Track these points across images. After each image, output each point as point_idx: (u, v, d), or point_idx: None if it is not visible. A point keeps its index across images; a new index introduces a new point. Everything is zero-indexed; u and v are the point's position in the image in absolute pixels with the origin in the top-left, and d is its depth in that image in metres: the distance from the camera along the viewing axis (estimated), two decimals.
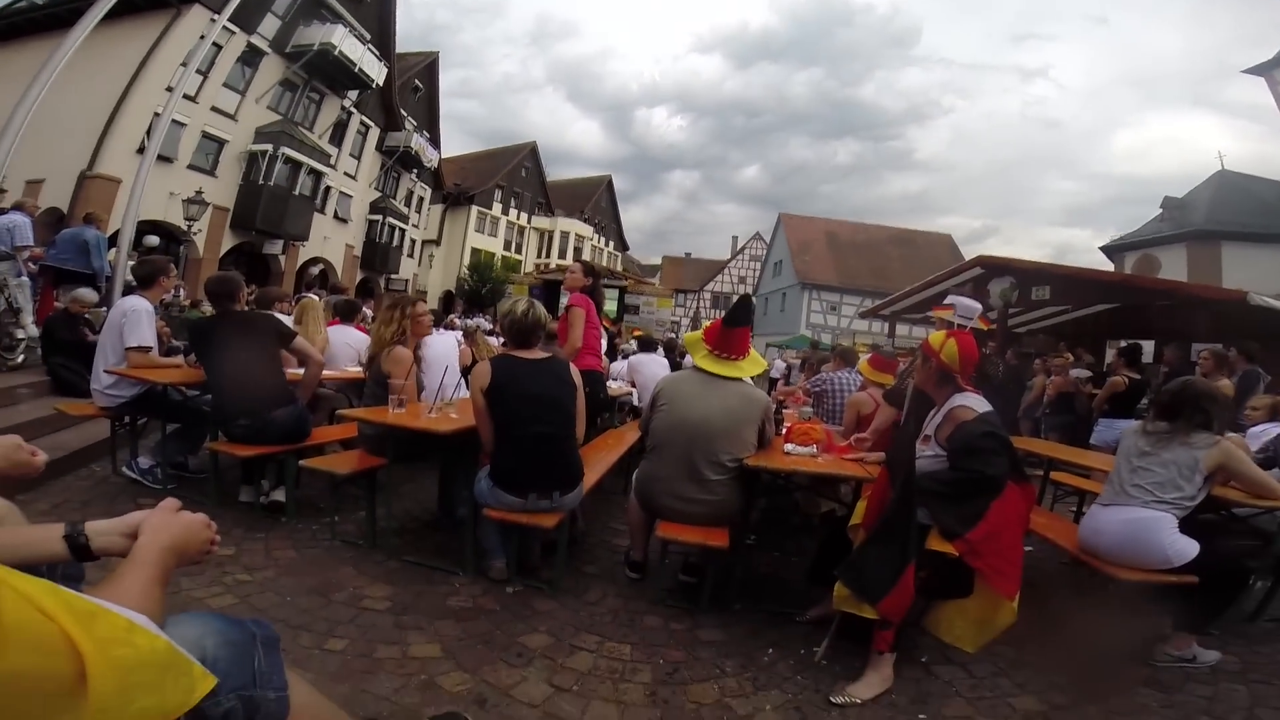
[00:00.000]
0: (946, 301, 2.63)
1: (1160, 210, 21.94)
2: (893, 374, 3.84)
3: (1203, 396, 2.50)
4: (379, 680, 2.00)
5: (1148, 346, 11.32)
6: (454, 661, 2.16)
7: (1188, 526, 2.40)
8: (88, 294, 5.69)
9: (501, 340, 3.39)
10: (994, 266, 9.65)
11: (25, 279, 5.89)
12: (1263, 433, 3.59)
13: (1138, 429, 2.64)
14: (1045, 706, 2.16)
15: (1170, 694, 2.26)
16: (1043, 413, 7.41)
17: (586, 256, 38.92)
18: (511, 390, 2.63)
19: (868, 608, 2.12)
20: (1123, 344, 7.23)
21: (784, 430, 3.13)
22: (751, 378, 2.87)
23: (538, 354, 2.82)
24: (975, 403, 2.27)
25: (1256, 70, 21.50)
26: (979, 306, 2.64)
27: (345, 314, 5.37)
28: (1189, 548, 2.35)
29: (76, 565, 1.12)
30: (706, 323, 3.09)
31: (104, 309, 5.45)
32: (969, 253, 24.40)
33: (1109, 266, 22.93)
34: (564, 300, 4.41)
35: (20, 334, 5.31)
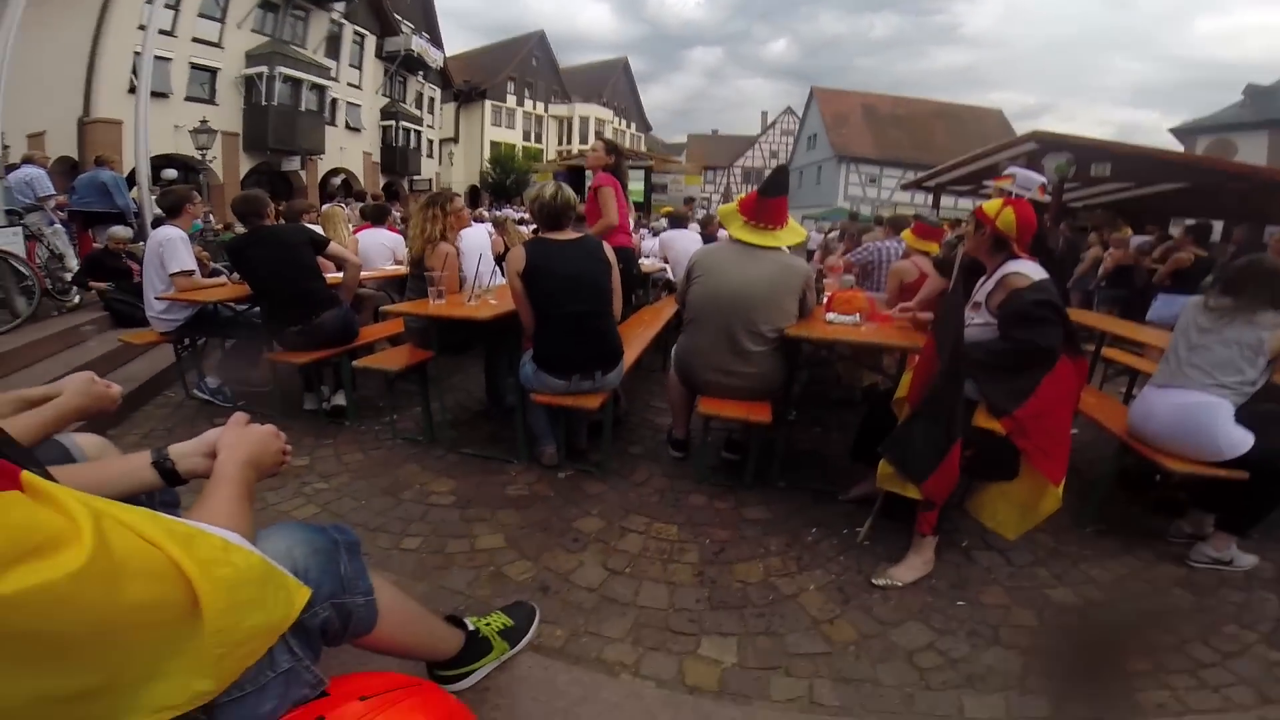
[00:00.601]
0: (1006, 172, 2.44)
1: (1242, 97, 20.02)
2: (938, 241, 3.65)
3: (1273, 274, 2.28)
4: (453, 575, 2.12)
5: (1217, 226, 10.63)
6: (517, 550, 2.27)
7: (1244, 416, 2.23)
8: (122, 231, 5.85)
9: (533, 228, 3.38)
10: (1050, 142, 8.87)
11: (59, 226, 6.02)
12: None
13: (1199, 304, 2.41)
14: (1080, 601, 2.15)
15: (1202, 597, 2.19)
16: (1097, 285, 7.13)
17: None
18: (547, 271, 2.61)
19: (912, 487, 2.08)
20: (1190, 222, 6.77)
21: (825, 299, 3.04)
22: (789, 247, 2.75)
23: (570, 235, 2.77)
24: (1031, 270, 2.12)
25: None
26: (1040, 178, 2.46)
27: (375, 217, 5.41)
28: (1244, 439, 2.18)
29: (171, 491, 1.17)
30: (740, 196, 2.94)
31: (140, 243, 5.59)
32: (1021, 129, 22.57)
33: (1179, 149, 21.16)
34: (589, 181, 4.31)
35: (69, 277, 5.49)
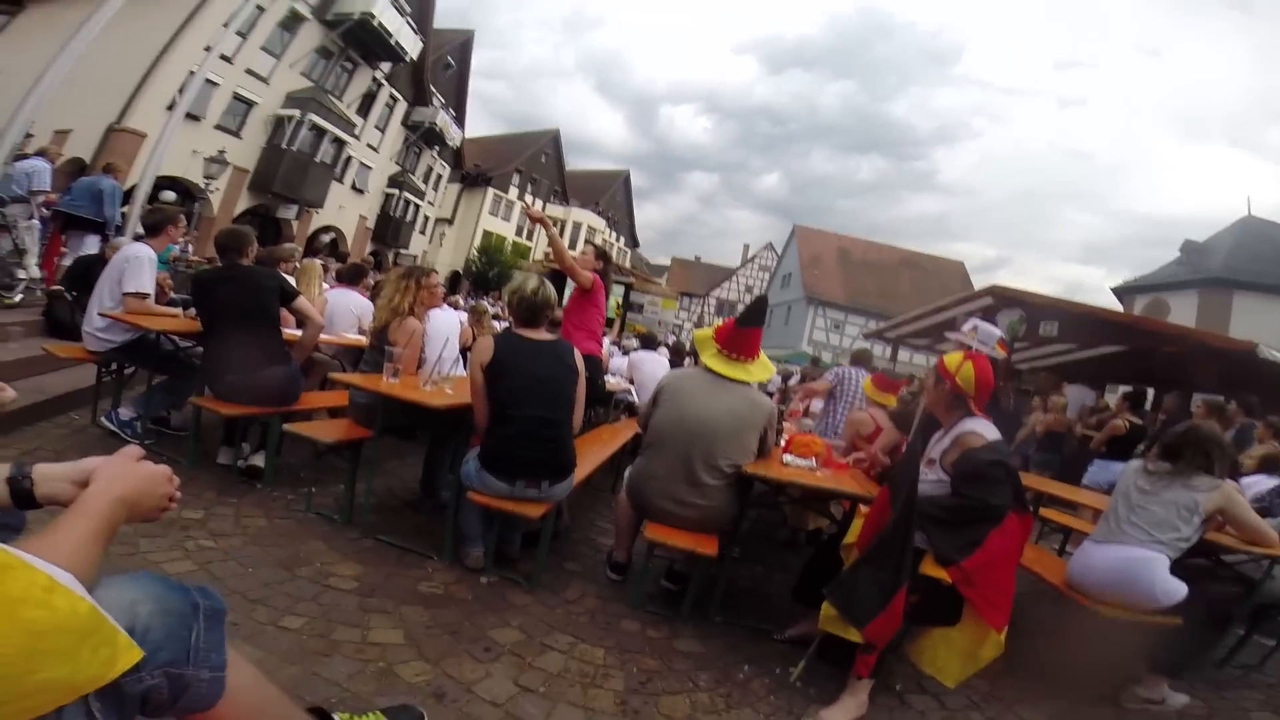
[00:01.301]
0: (968, 325, 2.53)
1: (1179, 254, 21.76)
2: (895, 394, 3.76)
3: (1207, 440, 2.51)
4: (333, 664, 1.89)
5: (1149, 393, 11.23)
6: (416, 650, 2.06)
7: (1177, 569, 2.42)
8: (120, 240, 5.80)
9: (505, 324, 3.30)
10: (1005, 298, 9.48)
11: (35, 222, 5.90)
12: (1254, 484, 3.55)
13: (1139, 468, 2.62)
14: None
15: None
16: (1032, 450, 7.36)
17: None
18: (513, 368, 2.54)
19: (854, 630, 2.06)
20: (1126, 389, 7.18)
21: (784, 441, 3.07)
22: (759, 383, 2.79)
23: (543, 335, 2.74)
24: (985, 429, 2.20)
25: None
26: (999, 332, 2.56)
27: (350, 277, 5.31)
28: (1178, 589, 2.37)
29: (18, 514, 1.02)
30: (717, 323, 2.99)
31: None
32: (979, 281, 24.36)
33: (1119, 308, 23.03)
34: (570, 289, 4.30)
35: (21, 274, 5.36)
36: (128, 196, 7.38)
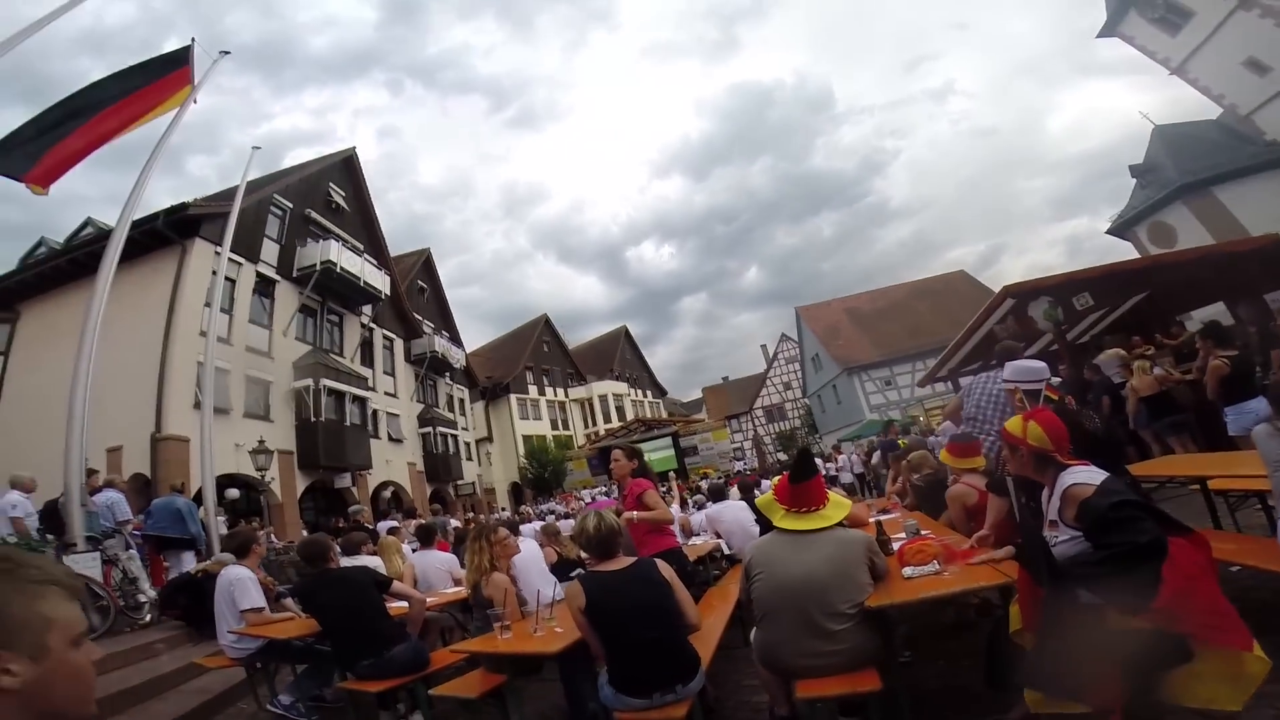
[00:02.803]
0: (1005, 379, 2.52)
1: (1135, 180, 22.39)
2: (979, 453, 3.61)
3: None
4: None
5: (1216, 310, 10.67)
6: None
7: None
8: (220, 557, 6.32)
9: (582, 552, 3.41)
10: (1023, 292, 9.40)
11: (133, 551, 6.56)
12: None
13: (1269, 431, 2.39)
14: None
15: None
16: (1149, 420, 6.81)
17: (629, 412, 39.48)
18: (608, 605, 2.61)
19: (1073, 704, 1.93)
20: (1198, 328, 6.81)
21: (896, 551, 2.90)
22: (841, 521, 2.71)
23: (623, 561, 2.79)
24: (1088, 475, 2.10)
25: (1104, 34, 23.12)
26: (1038, 365, 2.54)
27: (424, 539, 5.75)
28: None
29: None
30: (774, 481, 2.99)
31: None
32: (989, 277, 24.23)
33: (1125, 245, 22.90)
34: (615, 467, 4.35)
35: (141, 598, 5.98)
36: (196, 500, 8.21)
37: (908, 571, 2.66)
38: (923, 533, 3.05)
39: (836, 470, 16.88)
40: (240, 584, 4.01)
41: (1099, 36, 23.68)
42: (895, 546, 2.98)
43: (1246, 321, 7.86)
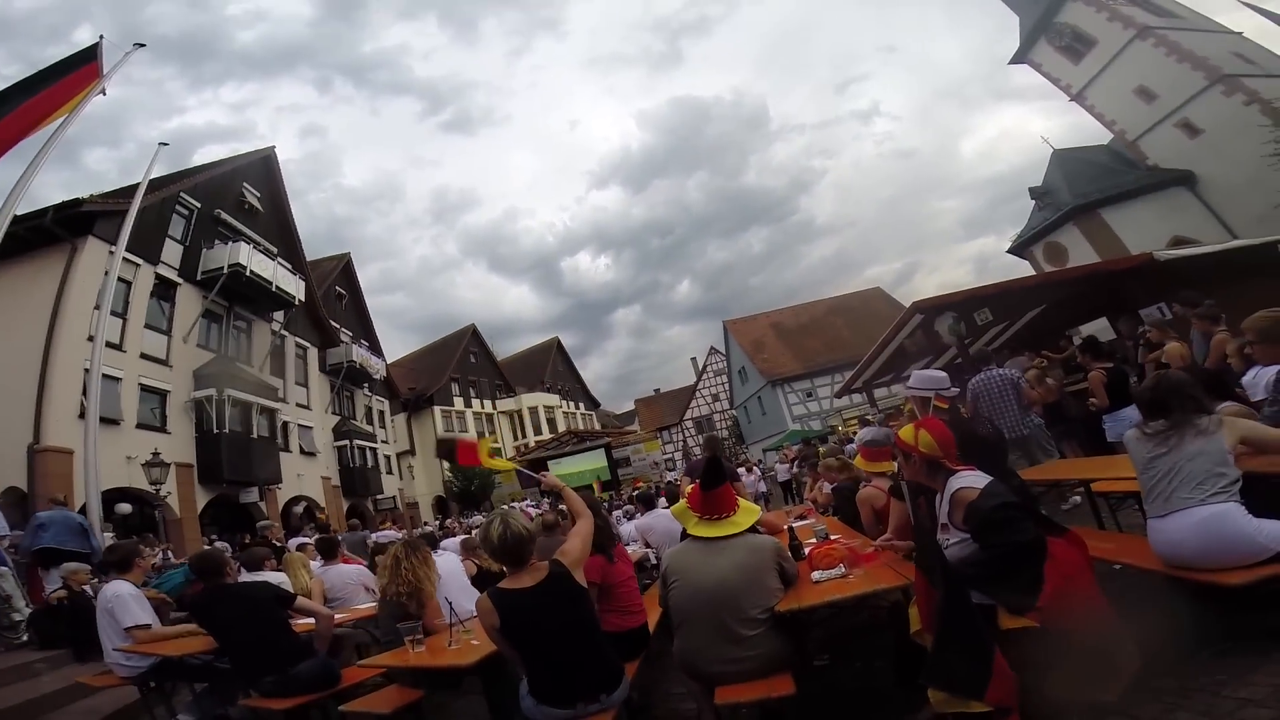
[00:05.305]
0: (907, 387, 2.66)
1: (1034, 201, 24.28)
2: (889, 459, 3.74)
3: (1182, 385, 2.43)
4: None
5: (1099, 325, 11.69)
6: None
7: (1257, 506, 2.16)
8: (77, 566, 5.88)
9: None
10: (930, 307, 10.02)
11: (5, 568, 6.09)
12: (1256, 377, 3.35)
13: (1137, 435, 2.51)
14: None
15: None
16: (1048, 426, 7.30)
17: (560, 424, 38.98)
18: (521, 624, 2.50)
19: (974, 704, 1.96)
20: (1078, 342, 7.39)
21: (806, 554, 2.96)
22: (752, 526, 2.77)
23: (538, 571, 2.60)
24: (973, 479, 2.23)
25: (1016, 60, 25.44)
26: (938, 375, 2.68)
27: (326, 553, 5.46)
28: (1276, 527, 2.14)
29: None
30: (688, 487, 3.02)
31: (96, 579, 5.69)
32: (903, 294, 25.75)
33: (1025, 264, 24.92)
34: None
35: (16, 616, 5.69)
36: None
37: (816, 575, 2.72)
38: (831, 537, 3.13)
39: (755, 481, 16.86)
40: (120, 600, 3.69)
41: (1011, 63, 25.64)
42: (807, 551, 3.04)
43: (1124, 335, 8.63)
